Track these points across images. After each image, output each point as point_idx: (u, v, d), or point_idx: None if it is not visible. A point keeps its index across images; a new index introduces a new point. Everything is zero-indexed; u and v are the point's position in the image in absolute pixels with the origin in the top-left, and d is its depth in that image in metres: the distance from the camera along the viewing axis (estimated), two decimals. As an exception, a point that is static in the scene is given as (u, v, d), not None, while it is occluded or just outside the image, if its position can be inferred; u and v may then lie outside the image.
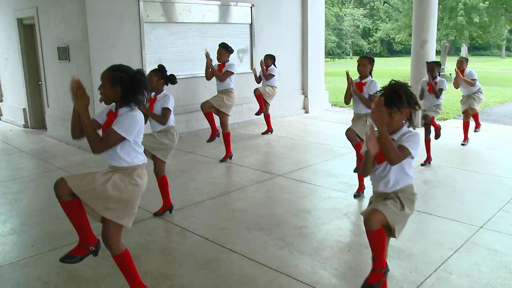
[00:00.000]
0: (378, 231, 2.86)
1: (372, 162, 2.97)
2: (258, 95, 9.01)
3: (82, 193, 2.94)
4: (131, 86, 3.06)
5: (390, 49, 63.39)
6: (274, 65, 9.19)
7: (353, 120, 5.77)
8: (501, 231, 4.68)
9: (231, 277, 3.75)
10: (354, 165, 6.04)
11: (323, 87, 12.90)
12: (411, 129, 2.99)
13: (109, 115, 3.14)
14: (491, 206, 5.37)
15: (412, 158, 2.91)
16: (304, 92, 12.10)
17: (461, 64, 8.27)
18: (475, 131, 8.66)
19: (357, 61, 5.63)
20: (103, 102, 3.11)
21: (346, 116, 12.36)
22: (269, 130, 9.48)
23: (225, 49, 7.12)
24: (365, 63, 5.52)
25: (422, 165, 7.11)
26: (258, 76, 9.31)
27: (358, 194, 5.75)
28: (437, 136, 7.36)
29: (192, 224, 4.84)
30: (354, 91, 5.56)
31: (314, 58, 12.05)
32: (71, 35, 8.12)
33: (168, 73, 4.90)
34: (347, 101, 5.75)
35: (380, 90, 2.99)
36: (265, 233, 4.61)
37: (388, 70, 32.73)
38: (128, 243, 3.68)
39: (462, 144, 8.42)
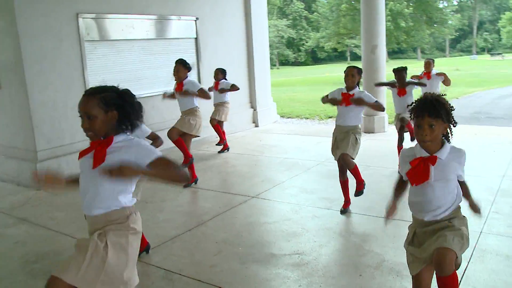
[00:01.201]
0: (454, 274, 2.48)
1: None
2: (216, 125, 8.63)
3: (91, 284, 2.34)
4: (127, 107, 2.45)
5: (315, 57, 65.21)
6: (225, 79, 8.76)
7: (335, 133, 5.42)
8: (502, 234, 4.58)
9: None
10: (327, 179, 5.72)
11: (270, 99, 12.60)
12: (454, 145, 2.66)
13: (94, 143, 2.48)
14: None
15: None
16: (253, 106, 11.73)
17: (429, 66, 8.26)
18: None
19: (344, 71, 5.29)
20: (89, 138, 2.49)
21: (296, 127, 12.19)
22: (226, 148, 8.99)
23: (183, 66, 6.59)
24: (354, 73, 5.18)
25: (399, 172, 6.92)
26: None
27: (345, 210, 5.42)
28: (413, 138, 7.22)
29: (175, 264, 4.25)
30: (354, 101, 5.15)
31: (260, 70, 11.73)
32: (1, 56, 7.24)
33: None
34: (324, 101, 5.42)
35: (415, 101, 2.62)
36: (262, 266, 4.11)
37: (317, 77, 33.35)
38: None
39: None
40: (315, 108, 15.44)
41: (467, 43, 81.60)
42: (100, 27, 7.98)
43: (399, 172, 2.94)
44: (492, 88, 21.57)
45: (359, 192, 5.34)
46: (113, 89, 2.46)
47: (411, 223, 2.90)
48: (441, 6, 28.16)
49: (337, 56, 67.55)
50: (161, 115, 8.62)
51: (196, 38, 9.86)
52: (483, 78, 26.34)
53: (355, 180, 5.31)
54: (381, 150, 8.42)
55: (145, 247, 4.42)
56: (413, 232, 2.80)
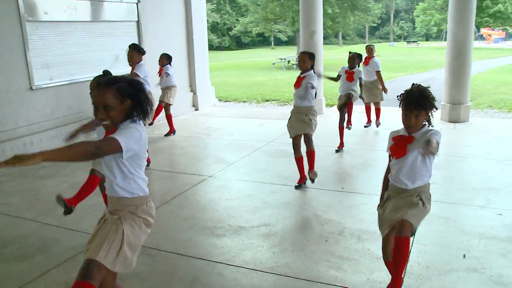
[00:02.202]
0: (408, 239, 2.95)
1: None
2: (160, 107, 8.68)
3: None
4: (140, 95, 2.56)
5: (239, 42, 65.47)
6: (170, 65, 8.81)
7: (292, 113, 5.73)
8: (441, 201, 5.10)
9: (230, 290, 3.48)
10: (277, 158, 6.06)
11: (209, 83, 12.74)
12: (431, 127, 3.02)
13: (109, 134, 2.56)
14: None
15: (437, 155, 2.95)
16: (193, 89, 11.82)
17: (371, 52, 8.73)
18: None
19: (298, 57, 5.65)
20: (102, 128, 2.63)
21: (236, 110, 12.43)
22: (172, 131, 9.06)
23: (136, 51, 6.62)
24: (305, 59, 5.55)
25: (336, 151, 7.41)
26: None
27: (299, 185, 5.77)
28: (349, 122, 7.79)
29: (150, 241, 4.35)
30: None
31: (199, 54, 11.82)
32: None
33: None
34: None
35: (403, 92, 2.96)
36: (235, 238, 4.37)
37: (244, 62, 33.68)
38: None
39: (377, 125, 9.05)
40: (251, 91, 15.75)
41: (385, 31, 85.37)
42: (42, 7, 7.73)
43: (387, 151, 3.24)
44: (413, 73, 22.95)
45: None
46: (124, 79, 2.56)
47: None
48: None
49: (260, 41, 68.28)
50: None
51: (137, 22, 9.79)
52: (403, 64, 27.87)
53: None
54: (323, 131, 8.86)
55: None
56: (387, 197, 3.14)
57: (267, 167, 6.74)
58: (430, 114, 2.97)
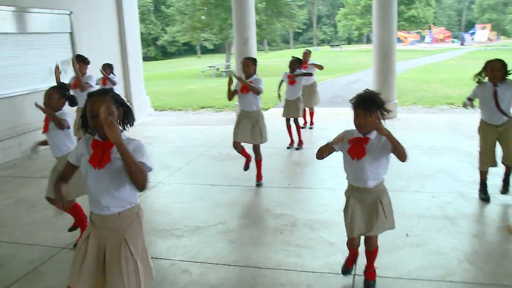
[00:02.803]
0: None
1: (329, 151, 3.23)
2: None
3: None
4: (126, 105, 2.69)
5: (165, 52, 65.01)
6: (113, 73, 8.77)
7: (240, 116, 5.95)
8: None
9: (196, 284, 3.65)
10: (221, 161, 6.34)
11: (144, 92, 12.72)
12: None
13: (98, 144, 2.57)
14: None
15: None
16: (129, 100, 11.76)
17: (306, 56, 9.13)
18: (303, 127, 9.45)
19: (241, 62, 5.89)
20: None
21: (174, 118, 12.49)
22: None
23: (82, 62, 6.59)
24: (249, 64, 5.82)
25: (288, 148, 7.92)
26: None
27: (248, 167, 6.19)
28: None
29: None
30: (248, 86, 5.72)
31: (134, 64, 11.80)
32: None
33: None
34: (229, 98, 5.92)
35: (355, 96, 3.18)
36: (195, 237, 4.53)
37: (173, 72, 33.59)
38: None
39: (310, 128, 9.57)
40: (185, 99, 15.83)
41: (308, 36, 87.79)
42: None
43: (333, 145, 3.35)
44: (339, 75, 23.93)
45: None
46: (111, 90, 2.68)
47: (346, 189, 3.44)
48: (288, 0, 30.24)
49: (186, 50, 68.07)
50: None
51: (71, 33, 9.65)
52: (329, 67, 28.88)
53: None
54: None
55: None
56: (347, 197, 3.37)
57: (214, 170, 6.93)
58: (380, 115, 3.15)
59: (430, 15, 56.47)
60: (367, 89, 3.21)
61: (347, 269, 3.60)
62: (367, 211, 3.25)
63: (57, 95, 4.24)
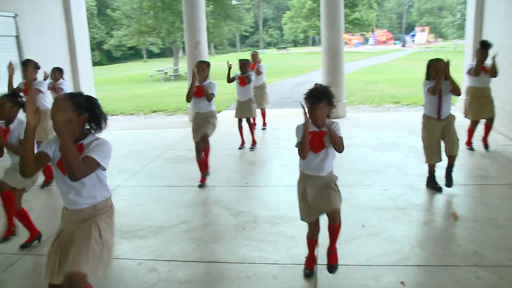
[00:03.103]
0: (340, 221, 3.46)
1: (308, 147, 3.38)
2: None
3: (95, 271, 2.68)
4: (96, 109, 2.73)
5: (110, 57, 63.76)
6: (63, 78, 8.61)
7: (195, 119, 6.06)
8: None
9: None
10: (178, 163, 6.60)
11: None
12: (333, 120, 3.48)
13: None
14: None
15: None
16: (79, 104, 11.56)
17: (255, 57, 9.29)
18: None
19: (195, 66, 5.98)
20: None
21: (125, 123, 12.37)
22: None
23: (33, 66, 6.49)
24: (204, 67, 5.94)
25: (251, 149, 8.04)
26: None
27: (203, 183, 6.17)
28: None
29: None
30: (204, 91, 5.85)
31: (83, 68, 11.62)
32: None
33: None
34: (188, 100, 6.00)
35: (308, 91, 3.37)
36: (158, 237, 4.59)
37: (119, 76, 33.09)
38: None
39: (263, 129, 9.73)
40: (136, 104, 15.69)
41: (254, 39, 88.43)
42: None
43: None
44: (287, 77, 24.35)
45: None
46: (80, 95, 2.72)
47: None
48: (235, 3, 30.45)
49: (132, 54, 66.99)
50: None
51: (17, 36, 9.41)
52: (277, 70, 29.34)
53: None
54: (220, 133, 9.26)
55: (36, 236, 4.52)
56: (303, 187, 3.53)
57: (171, 172, 6.97)
58: (331, 108, 3.40)
59: (373, 18, 58.32)
60: (317, 84, 3.42)
61: (309, 271, 3.69)
62: (320, 192, 3.43)
63: (10, 103, 4.19)
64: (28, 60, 6.62)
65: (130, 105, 15.61)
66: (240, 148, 8.11)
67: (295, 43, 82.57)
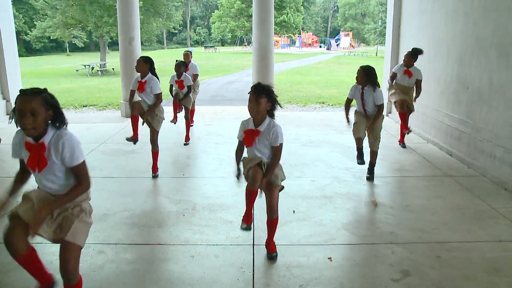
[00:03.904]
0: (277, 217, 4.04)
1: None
2: None
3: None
4: (57, 106, 2.86)
5: (28, 48, 60.91)
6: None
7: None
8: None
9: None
10: (114, 156, 6.47)
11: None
12: (275, 122, 3.87)
13: (31, 147, 2.84)
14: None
15: None
16: (5, 96, 11.24)
17: (188, 57, 9.50)
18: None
19: (137, 61, 6.21)
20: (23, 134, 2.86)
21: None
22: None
23: None
24: (140, 63, 6.15)
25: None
26: None
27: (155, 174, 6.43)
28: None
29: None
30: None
31: (10, 58, 11.23)
32: None
33: None
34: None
35: (252, 87, 3.76)
36: (102, 223, 4.75)
37: (42, 69, 31.88)
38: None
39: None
40: (65, 98, 15.34)
41: (182, 36, 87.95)
42: None
43: (238, 138, 3.98)
44: (217, 76, 24.69)
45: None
46: (46, 91, 2.84)
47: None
48: (164, 0, 30.28)
49: (54, 47, 64.41)
50: None
51: None
52: (205, 68, 29.54)
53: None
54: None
55: None
56: (247, 170, 3.90)
57: (109, 164, 7.09)
58: (271, 106, 3.78)
59: (300, 21, 60.00)
60: (260, 83, 3.81)
61: (246, 225, 3.93)
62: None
63: None
64: None
65: (59, 99, 15.16)
66: (172, 122, 8.58)
67: (223, 43, 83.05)
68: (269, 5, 10.61)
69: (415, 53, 7.56)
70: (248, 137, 3.85)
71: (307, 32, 74.28)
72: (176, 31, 49.55)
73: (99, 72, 28.00)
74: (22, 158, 2.96)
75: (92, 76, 26.57)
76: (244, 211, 3.90)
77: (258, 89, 3.72)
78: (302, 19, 63.95)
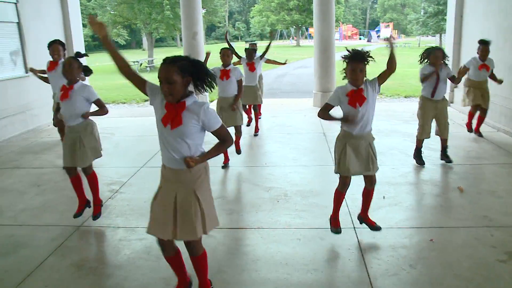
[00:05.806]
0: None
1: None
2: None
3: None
4: (198, 71, 2.91)
5: (73, 47, 62.44)
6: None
7: (220, 103, 6.47)
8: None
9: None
10: None
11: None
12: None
13: (170, 107, 2.88)
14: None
15: None
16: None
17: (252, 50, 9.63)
18: None
19: (220, 52, 6.45)
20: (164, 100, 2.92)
21: (121, 111, 12.58)
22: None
23: (62, 46, 6.74)
24: (229, 54, 6.44)
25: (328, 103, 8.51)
26: None
27: (225, 165, 6.61)
28: None
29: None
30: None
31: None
32: None
33: None
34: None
35: (348, 53, 3.86)
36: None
37: (92, 66, 32.61)
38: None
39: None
40: (126, 93, 15.68)
41: (220, 31, 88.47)
42: None
43: (327, 103, 4.02)
44: (265, 70, 24.79)
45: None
46: (187, 58, 2.89)
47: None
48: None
49: (96, 45, 65.76)
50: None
51: (18, 23, 9.51)
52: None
53: None
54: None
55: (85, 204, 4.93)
56: (343, 144, 4.05)
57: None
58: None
59: (341, 13, 59.43)
60: (354, 49, 3.92)
61: (337, 229, 4.25)
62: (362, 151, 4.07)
63: (76, 64, 4.59)
64: (57, 41, 6.78)
65: (120, 94, 15.72)
66: (248, 125, 8.81)
67: (261, 37, 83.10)
68: (329, -3, 10.71)
69: (488, 44, 7.49)
70: (355, 96, 3.88)
71: (346, 24, 73.51)
72: (221, 25, 49.83)
73: (147, 68, 28.62)
74: (145, 85, 3.02)
75: (141, 72, 27.14)
76: (332, 212, 4.18)
77: (361, 57, 3.79)
78: (343, 11, 63.36)
